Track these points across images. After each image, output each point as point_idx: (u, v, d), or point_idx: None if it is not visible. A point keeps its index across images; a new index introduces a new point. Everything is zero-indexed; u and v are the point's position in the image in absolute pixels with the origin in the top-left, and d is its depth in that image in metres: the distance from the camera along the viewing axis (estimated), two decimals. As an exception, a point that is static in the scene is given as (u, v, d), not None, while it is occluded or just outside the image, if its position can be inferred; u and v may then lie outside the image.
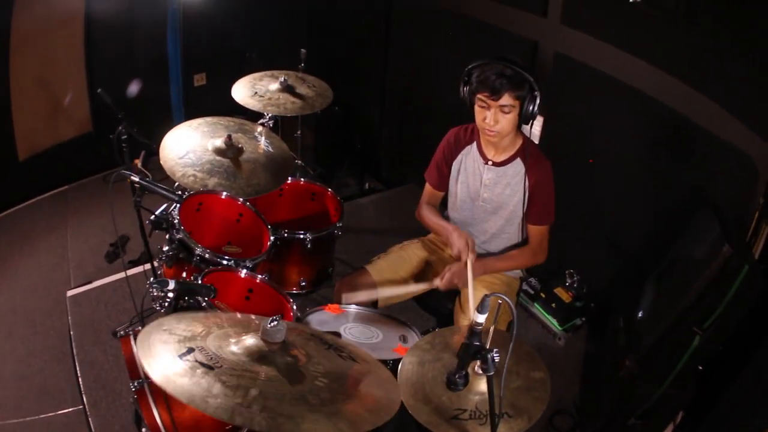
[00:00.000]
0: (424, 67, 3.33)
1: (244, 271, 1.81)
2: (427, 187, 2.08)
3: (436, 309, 2.13)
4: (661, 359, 1.88)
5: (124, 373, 2.02)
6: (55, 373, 2.34)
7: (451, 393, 1.28)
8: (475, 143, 1.95)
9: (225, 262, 1.81)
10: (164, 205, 2.21)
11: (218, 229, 2.07)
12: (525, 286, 2.64)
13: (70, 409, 2.19)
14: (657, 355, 1.89)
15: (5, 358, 2.42)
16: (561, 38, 2.51)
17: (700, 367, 1.87)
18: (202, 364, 1.00)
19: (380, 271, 2.03)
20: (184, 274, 1.82)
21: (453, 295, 2.02)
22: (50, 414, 2.17)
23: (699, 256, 1.83)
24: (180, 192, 1.96)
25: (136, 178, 1.80)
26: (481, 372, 1.28)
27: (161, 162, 1.98)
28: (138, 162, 3.50)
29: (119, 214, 2.97)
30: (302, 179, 2.45)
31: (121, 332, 1.81)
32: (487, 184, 1.92)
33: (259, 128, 2.26)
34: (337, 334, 1.67)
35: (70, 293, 2.65)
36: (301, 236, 2.14)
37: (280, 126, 2.80)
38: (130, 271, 2.67)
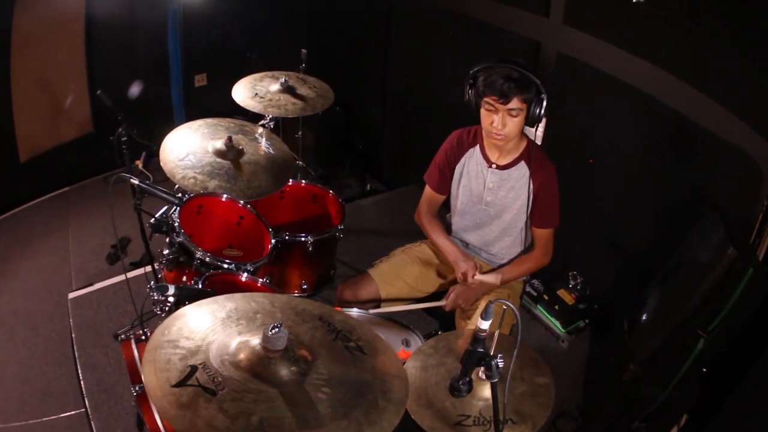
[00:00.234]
0: (425, 67, 3.32)
1: (246, 274, 1.80)
2: (427, 189, 2.07)
3: (439, 313, 2.12)
4: (666, 362, 1.87)
5: (126, 376, 2.02)
6: (57, 375, 2.34)
7: (455, 399, 1.27)
8: (478, 146, 1.94)
9: (226, 266, 1.80)
10: (164, 208, 2.20)
11: (219, 232, 2.06)
12: (528, 288, 2.63)
13: (73, 413, 2.18)
14: (661, 358, 1.87)
15: (7, 360, 2.41)
16: (563, 38, 2.49)
17: (704, 370, 1.86)
18: (205, 389, 1.00)
19: (383, 274, 2.02)
20: (184, 278, 1.80)
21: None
22: (53, 417, 2.16)
23: (703, 258, 1.81)
24: (180, 195, 1.95)
25: (135, 181, 1.79)
26: (485, 378, 1.27)
27: (161, 164, 1.97)
28: (139, 163, 3.53)
29: (120, 215, 2.97)
30: (303, 181, 2.44)
31: (122, 336, 1.80)
32: (491, 187, 1.91)
33: (260, 129, 2.25)
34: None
35: (71, 295, 2.65)
36: (303, 239, 2.13)
37: (281, 127, 2.79)
38: (131, 273, 2.67)
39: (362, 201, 3.51)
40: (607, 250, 2.59)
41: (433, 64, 3.25)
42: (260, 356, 1.07)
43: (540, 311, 2.63)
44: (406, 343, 1.74)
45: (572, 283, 2.56)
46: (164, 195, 1.83)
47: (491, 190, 1.91)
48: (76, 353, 2.38)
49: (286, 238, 2.11)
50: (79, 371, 2.29)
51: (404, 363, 1.39)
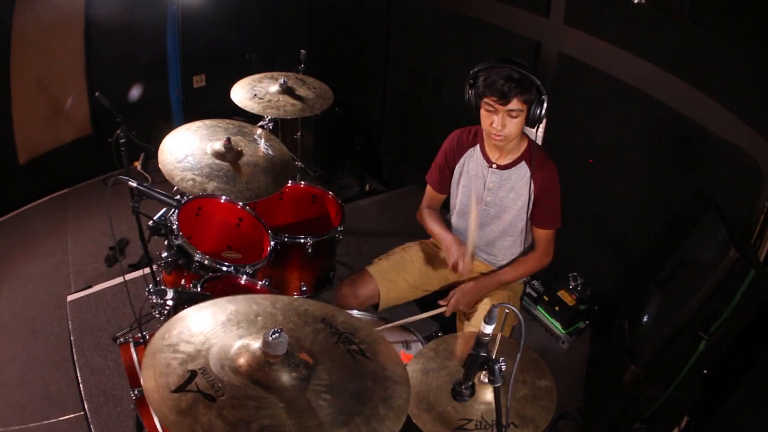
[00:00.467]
0: (425, 68, 3.31)
1: (245, 277, 1.79)
2: (429, 189, 2.06)
3: (439, 314, 2.11)
4: (667, 364, 1.87)
5: (125, 379, 2.01)
6: (56, 379, 2.33)
7: (456, 403, 1.26)
8: (478, 146, 1.93)
9: (225, 269, 1.79)
10: (163, 210, 2.19)
11: (218, 234, 2.05)
12: (528, 289, 2.62)
13: (72, 416, 2.17)
14: (663, 359, 1.87)
15: (7, 364, 2.40)
16: (564, 39, 2.48)
17: (705, 371, 1.85)
18: (204, 395, 0.99)
19: (382, 272, 2.01)
20: (183, 281, 1.79)
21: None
22: (52, 420, 2.15)
23: (705, 259, 1.81)
24: (178, 197, 1.94)
25: (133, 183, 1.78)
26: (487, 381, 1.26)
27: (160, 166, 1.96)
28: (137, 164, 3.52)
29: (119, 217, 2.96)
30: (303, 182, 2.42)
31: (121, 339, 1.79)
32: (491, 187, 1.90)
33: (259, 131, 2.24)
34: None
35: (70, 298, 2.64)
36: (302, 240, 2.12)
37: (280, 128, 2.77)
38: (130, 276, 2.66)
39: (361, 201, 3.50)
40: (607, 251, 2.58)
41: (432, 65, 3.24)
42: (260, 361, 1.05)
43: (540, 312, 2.62)
44: (407, 346, 1.74)
45: (572, 284, 2.56)
46: (162, 197, 1.82)
47: (491, 191, 1.90)
48: (75, 356, 2.36)
49: (285, 239, 2.10)
50: (78, 374, 2.28)
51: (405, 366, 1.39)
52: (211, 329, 1.15)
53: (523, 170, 1.87)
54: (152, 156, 3.47)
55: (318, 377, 1.07)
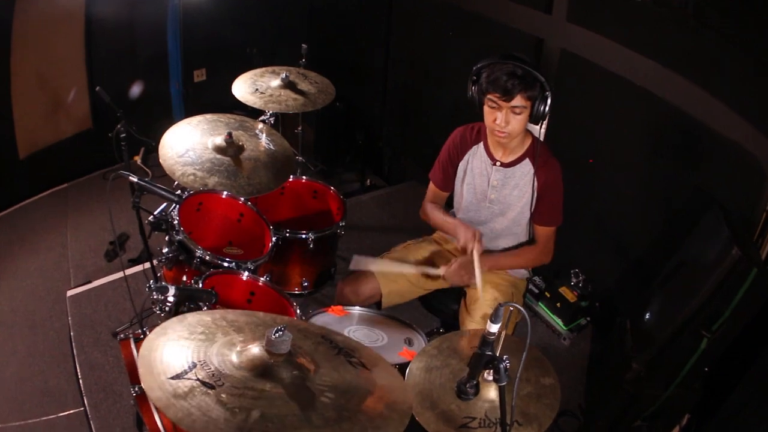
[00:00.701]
0: (426, 63, 3.30)
1: (246, 273, 1.78)
2: (432, 186, 2.05)
3: (441, 310, 2.10)
4: (669, 362, 1.86)
5: (125, 374, 2.00)
6: (56, 374, 2.32)
7: (460, 401, 1.26)
8: (482, 143, 1.91)
9: (226, 265, 1.78)
10: (164, 205, 2.18)
11: (219, 229, 2.04)
12: (530, 286, 2.62)
13: (72, 411, 2.17)
14: (664, 357, 1.87)
15: (7, 359, 2.39)
16: (567, 35, 2.47)
17: (706, 369, 1.85)
18: (203, 383, 0.97)
19: (383, 272, 2.00)
20: (184, 278, 1.78)
21: (458, 295, 2.00)
22: (52, 416, 2.15)
23: (707, 258, 1.80)
24: (179, 192, 1.93)
25: (134, 179, 1.76)
26: (491, 379, 1.25)
27: (160, 161, 1.95)
28: (137, 159, 3.50)
29: (119, 212, 2.95)
30: (304, 177, 2.41)
31: (121, 335, 1.78)
32: (495, 185, 1.89)
33: (260, 125, 2.23)
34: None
35: (69, 293, 2.62)
36: (303, 236, 2.11)
37: (280, 122, 2.76)
38: (130, 270, 2.65)
39: (362, 196, 3.49)
40: (609, 248, 2.58)
41: (433, 60, 3.23)
42: (263, 359, 1.05)
43: (542, 308, 2.62)
44: (409, 342, 1.73)
45: (574, 280, 2.55)
46: (163, 193, 1.81)
47: (495, 188, 1.89)
48: (74, 351, 2.36)
49: (287, 235, 2.09)
50: (78, 370, 2.27)
51: (408, 363, 1.38)
52: (213, 330, 1.14)
53: (526, 167, 1.86)
54: (152, 150, 3.45)
55: (320, 378, 1.06)
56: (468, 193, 1.96)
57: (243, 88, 2.48)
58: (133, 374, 1.68)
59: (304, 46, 2.77)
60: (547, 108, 1.71)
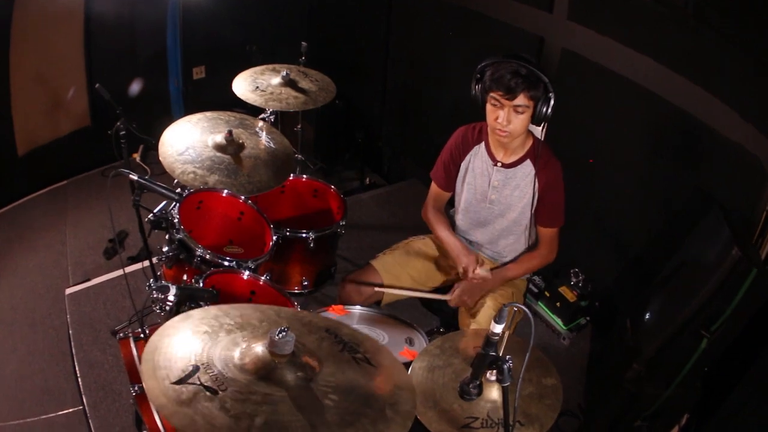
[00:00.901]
0: (427, 61, 3.29)
1: (247, 272, 1.77)
2: (434, 187, 2.05)
3: (440, 309, 2.11)
4: (669, 361, 1.87)
5: (124, 373, 1.99)
6: (55, 373, 2.31)
7: (462, 401, 1.26)
8: (483, 143, 1.91)
9: (227, 264, 1.78)
10: (163, 203, 2.17)
11: (219, 228, 2.03)
12: (529, 285, 2.61)
13: (71, 410, 2.16)
14: (664, 357, 1.87)
15: (6, 357, 2.39)
16: (568, 34, 2.46)
17: (705, 369, 1.86)
18: (207, 388, 0.97)
19: (386, 267, 2.00)
20: (185, 276, 1.78)
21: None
22: (51, 415, 2.14)
23: (707, 258, 1.81)
24: (179, 190, 1.92)
25: (134, 177, 1.76)
26: (493, 379, 1.25)
27: (160, 158, 1.94)
28: (136, 156, 3.49)
29: (118, 209, 2.94)
30: (305, 176, 2.41)
31: (121, 334, 1.77)
32: (496, 185, 1.89)
33: (260, 123, 2.22)
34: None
35: (68, 291, 2.62)
36: (304, 235, 2.10)
37: (280, 120, 2.75)
38: (129, 269, 2.64)
39: (362, 195, 3.49)
40: (608, 248, 2.58)
41: (433, 58, 3.22)
42: (266, 361, 1.04)
43: (541, 308, 2.62)
44: (410, 342, 1.73)
45: (574, 280, 2.55)
46: (163, 191, 1.80)
47: (496, 189, 1.89)
48: (73, 350, 2.35)
49: (287, 234, 2.08)
50: (77, 368, 2.26)
51: (410, 363, 1.38)
52: (215, 330, 1.13)
53: (528, 168, 1.85)
54: (152, 148, 3.44)
55: (324, 379, 1.06)
56: (468, 193, 1.95)
57: (243, 85, 2.47)
58: (132, 373, 1.68)
59: (303, 44, 2.76)
60: (549, 109, 1.71)
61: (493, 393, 1.28)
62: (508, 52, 1.71)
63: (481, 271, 1.80)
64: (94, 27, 3.18)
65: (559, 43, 2.52)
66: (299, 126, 3.05)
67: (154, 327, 1.76)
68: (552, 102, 1.70)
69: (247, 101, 2.43)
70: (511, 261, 1.98)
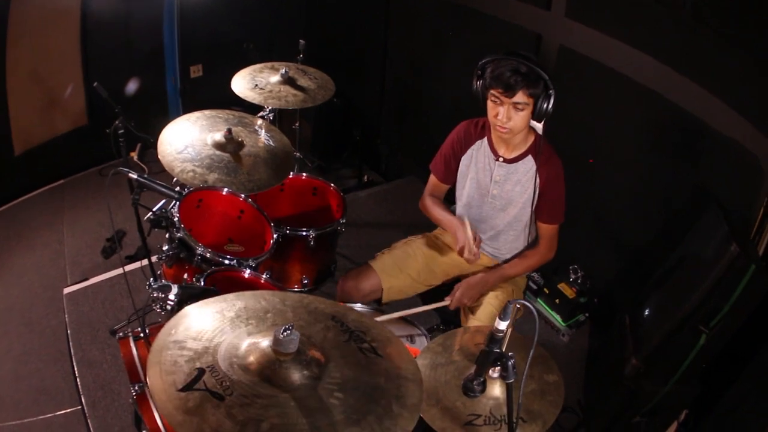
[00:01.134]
0: (424, 59, 3.28)
1: (248, 271, 1.76)
2: (432, 178, 2.05)
3: (442, 307, 2.10)
4: (668, 358, 1.88)
5: (123, 372, 1.98)
6: (52, 372, 2.30)
7: (465, 398, 1.26)
8: (486, 138, 1.92)
9: (227, 262, 1.77)
10: (162, 201, 2.16)
11: (219, 227, 2.03)
12: (528, 282, 2.62)
13: (69, 410, 2.15)
14: (663, 353, 1.88)
15: (3, 357, 2.37)
16: (565, 32, 2.47)
17: (703, 365, 1.87)
18: (212, 393, 0.97)
19: (384, 266, 2.01)
20: (185, 275, 1.77)
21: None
22: (49, 415, 2.13)
23: (706, 254, 1.82)
24: (179, 189, 1.91)
25: (134, 176, 1.75)
26: (495, 376, 1.26)
27: (159, 157, 1.93)
28: (134, 155, 3.47)
29: (116, 208, 2.92)
30: (304, 174, 2.40)
31: (120, 334, 1.76)
32: (498, 180, 1.90)
33: (259, 121, 2.21)
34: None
35: (66, 290, 2.60)
36: (304, 233, 2.10)
37: (278, 118, 2.74)
38: (128, 267, 2.62)
39: (360, 193, 3.48)
40: (607, 245, 2.59)
41: (431, 56, 3.22)
42: (271, 359, 1.04)
43: (540, 305, 2.63)
44: (411, 340, 1.73)
45: (573, 276, 2.56)
46: (163, 189, 1.79)
47: (498, 183, 1.90)
48: (71, 350, 2.33)
49: (287, 232, 2.08)
50: (75, 368, 2.25)
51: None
52: (219, 326, 1.13)
53: (529, 164, 1.86)
54: (150, 146, 3.43)
55: (329, 375, 1.05)
56: (470, 187, 1.96)
57: (242, 83, 2.46)
58: (132, 373, 1.67)
59: (301, 41, 2.75)
60: (550, 106, 1.72)
61: (495, 390, 1.28)
62: (509, 50, 1.71)
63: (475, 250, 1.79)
64: (90, 25, 3.16)
65: (556, 41, 2.52)
66: (297, 124, 3.04)
67: (154, 326, 1.76)
68: (552, 99, 1.71)
69: (246, 99, 2.42)
70: (511, 259, 1.98)
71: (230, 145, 2.01)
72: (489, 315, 1.83)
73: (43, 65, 3.10)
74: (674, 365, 1.85)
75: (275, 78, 2.50)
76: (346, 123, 3.65)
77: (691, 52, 2.06)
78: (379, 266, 2.00)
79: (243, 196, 1.97)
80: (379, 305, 1.99)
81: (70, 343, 2.36)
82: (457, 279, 1.92)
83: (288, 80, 2.50)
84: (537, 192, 1.85)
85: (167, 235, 1.80)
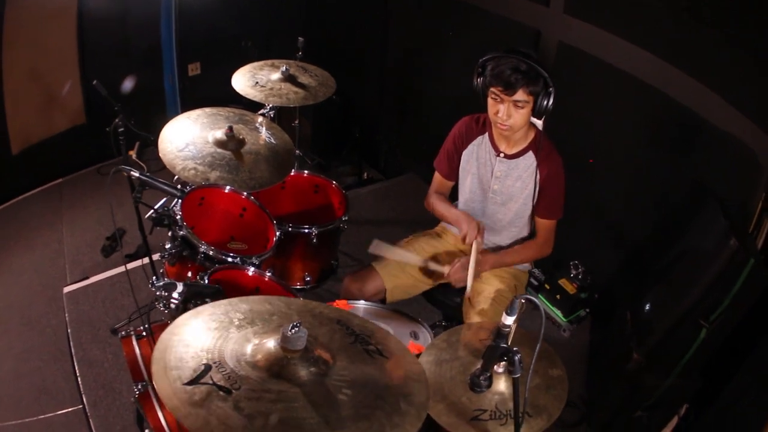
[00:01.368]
0: (423, 56, 3.28)
1: (252, 268, 1.76)
2: (437, 176, 2.05)
3: (443, 302, 2.11)
4: (669, 352, 1.89)
5: (124, 371, 1.98)
6: (53, 372, 2.29)
7: (470, 393, 1.26)
8: (487, 134, 1.93)
9: (230, 260, 1.77)
10: (163, 200, 2.15)
11: (221, 225, 2.02)
12: (529, 278, 2.63)
13: (70, 409, 2.14)
14: (664, 347, 1.89)
15: (3, 356, 2.36)
16: (564, 28, 2.47)
17: (704, 359, 1.88)
18: (220, 387, 0.97)
19: (387, 267, 2.01)
20: (188, 273, 1.77)
21: (461, 288, 2.00)
22: (50, 414, 2.12)
23: (705, 249, 1.83)
24: (180, 186, 1.90)
25: (136, 174, 1.74)
26: (500, 371, 1.26)
27: (160, 155, 1.92)
28: (132, 153, 3.45)
29: (115, 206, 2.90)
30: (306, 172, 2.40)
31: (123, 332, 1.76)
32: (498, 176, 1.90)
33: (260, 119, 2.21)
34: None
35: (66, 289, 2.59)
36: (307, 230, 2.10)
37: (277, 116, 2.74)
38: (129, 266, 2.61)
39: (360, 190, 3.48)
40: (608, 240, 2.60)
41: (430, 53, 3.21)
42: (279, 356, 1.04)
43: (542, 300, 2.64)
44: (415, 336, 1.73)
45: (573, 272, 2.57)
46: (166, 187, 1.78)
47: (499, 179, 1.91)
48: (72, 349, 2.33)
49: (290, 229, 2.08)
50: (76, 367, 2.25)
51: (417, 357, 1.38)
52: (225, 326, 1.13)
53: (530, 160, 1.87)
54: (150, 144, 3.41)
55: (338, 373, 1.06)
56: (471, 183, 1.97)
57: (243, 81, 2.45)
58: (135, 371, 1.67)
59: (300, 39, 2.74)
60: (550, 104, 1.72)
61: (500, 385, 1.29)
62: (510, 47, 1.71)
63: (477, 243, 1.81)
64: (87, 23, 3.15)
65: (555, 37, 2.52)
66: (296, 121, 3.03)
67: (157, 325, 1.76)
68: (552, 96, 1.72)
69: (247, 97, 2.41)
70: (507, 248, 1.98)
71: (231, 142, 2.01)
72: (492, 310, 1.83)
73: (41, 63, 3.09)
74: (675, 359, 1.87)
75: (276, 75, 2.49)
76: (346, 120, 3.64)
77: (689, 48, 2.07)
78: (382, 267, 2.00)
79: (245, 193, 1.97)
80: (383, 304, 1.99)
81: (71, 342, 2.36)
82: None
83: (289, 77, 2.49)
84: (537, 188, 1.85)
85: (170, 233, 1.80)
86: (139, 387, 1.60)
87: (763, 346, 1.81)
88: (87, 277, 2.68)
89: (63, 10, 3.07)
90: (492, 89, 1.73)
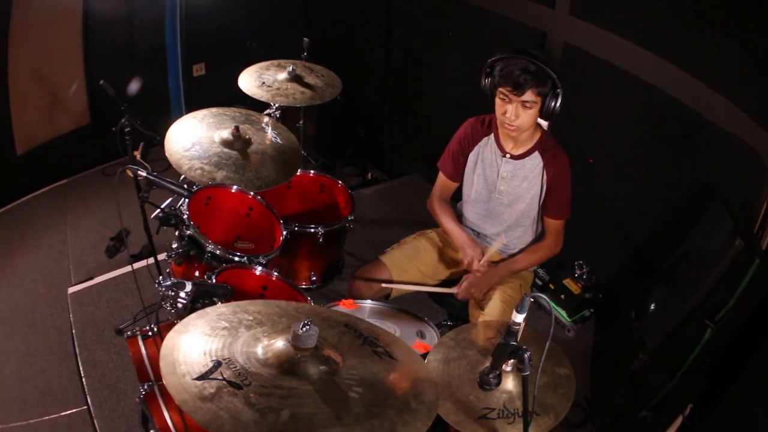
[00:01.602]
0: (428, 56, 3.29)
1: (259, 268, 1.77)
2: (441, 177, 2.06)
3: (447, 302, 2.11)
4: (674, 352, 1.89)
5: (129, 372, 1.98)
6: (57, 373, 2.29)
7: (478, 392, 1.27)
8: (492, 135, 1.93)
9: (237, 259, 1.77)
10: (169, 200, 2.16)
11: (227, 224, 2.02)
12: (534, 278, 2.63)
13: (74, 410, 2.14)
14: (669, 347, 1.90)
15: (7, 358, 2.36)
16: (570, 29, 2.48)
17: (708, 359, 1.88)
18: (230, 383, 0.97)
19: (394, 262, 2.01)
20: (196, 273, 1.77)
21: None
22: (54, 416, 2.12)
23: (710, 249, 1.83)
24: (186, 187, 1.91)
25: (143, 173, 1.75)
26: (509, 370, 1.27)
27: (167, 155, 1.93)
28: (137, 154, 3.46)
29: (120, 206, 2.91)
30: (312, 171, 2.40)
31: (128, 333, 1.76)
32: (505, 176, 1.91)
33: (266, 119, 2.22)
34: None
35: (71, 290, 2.59)
36: (313, 230, 2.10)
37: (282, 116, 2.74)
38: (135, 266, 2.61)
39: (364, 190, 3.48)
40: (612, 240, 2.60)
41: (435, 53, 3.22)
42: (289, 355, 1.04)
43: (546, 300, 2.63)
44: (421, 335, 1.73)
45: (578, 272, 2.57)
46: (173, 187, 1.79)
47: (505, 180, 1.91)
48: (76, 350, 2.33)
49: (296, 229, 2.08)
50: (81, 368, 2.25)
51: (424, 356, 1.39)
52: (234, 326, 1.13)
53: (536, 160, 1.88)
54: (155, 144, 3.42)
55: (348, 372, 1.06)
56: (478, 183, 1.97)
57: (249, 81, 2.46)
58: (141, 372, 1.66)
59: (305, 39, 2.75)
60: (558, 105, 1.74)
61: (509, 384, 1.29)
62: (518, 48, 1.72)
63: (486, 258, 1.84)
64: (92, 24, 3.15)
65: (561, 38, 2.53)
66: (301, 122, 3.04)
67: (164, 324, 1.76)
68: (560, 98, 1.72)
69: (254, 97, 2.42)
70: (518, 253, 1.99)
71: (238, 142, 2.02)
72: (498, 310, 1.84)
73: (46, 64, 3.09)
74: (680, 359, 1.87)
75: (282, 75, 2.50)
76: (350, 121, 3.65)
77: (694, 49, 2.07)
78: (390, 261, 2.01)
79: (252, 193, 1.97)
80: (388, 301, 2.00)
81: (75, 343, 2.36)
82: (467, 272, 1.93)
83: (295, 78, 2.50)
84: (544, 188, 1.86)
85: (176, 233, 1.80)
86: (146, 387, 1.60)
87: (768, 345, 1.81)
88: (91, 278, 2.68)
89: (68, 11, 3.07)
90: (500, 89, 1.74)
